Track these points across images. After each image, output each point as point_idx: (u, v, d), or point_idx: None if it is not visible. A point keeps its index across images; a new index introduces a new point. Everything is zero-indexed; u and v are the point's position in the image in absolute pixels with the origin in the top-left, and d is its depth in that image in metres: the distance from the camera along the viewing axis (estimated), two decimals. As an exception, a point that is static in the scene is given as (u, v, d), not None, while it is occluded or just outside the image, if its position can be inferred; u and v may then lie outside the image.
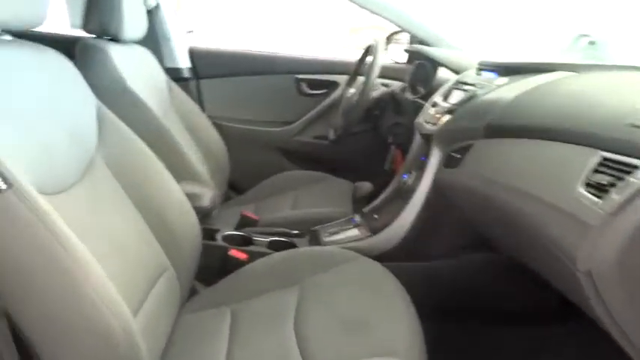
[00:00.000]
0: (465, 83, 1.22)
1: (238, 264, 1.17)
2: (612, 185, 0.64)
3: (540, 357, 1.21)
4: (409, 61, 1.91)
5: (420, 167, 1.29)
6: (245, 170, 1.97)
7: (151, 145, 1.10)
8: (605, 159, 0.69)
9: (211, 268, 1.19)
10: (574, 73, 1.02)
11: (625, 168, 0.64)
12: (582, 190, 0.68)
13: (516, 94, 1.01)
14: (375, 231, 1.27)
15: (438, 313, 1.07)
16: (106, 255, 0.81)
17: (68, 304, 0.66)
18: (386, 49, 2.08)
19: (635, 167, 0.62)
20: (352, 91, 1.66)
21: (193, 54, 1.95)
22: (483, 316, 1.24)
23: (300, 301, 1.00)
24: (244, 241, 1.29)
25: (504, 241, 1.01)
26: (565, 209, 0.70)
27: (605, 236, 0.61)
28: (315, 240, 1.33)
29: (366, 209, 1.38)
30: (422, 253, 1.23)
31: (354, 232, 1.31)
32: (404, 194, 1.27)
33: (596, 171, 0.69)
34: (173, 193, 1.09)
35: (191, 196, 1.16)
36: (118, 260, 0.85)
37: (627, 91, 0.82)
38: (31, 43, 0.88)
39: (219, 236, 1.27)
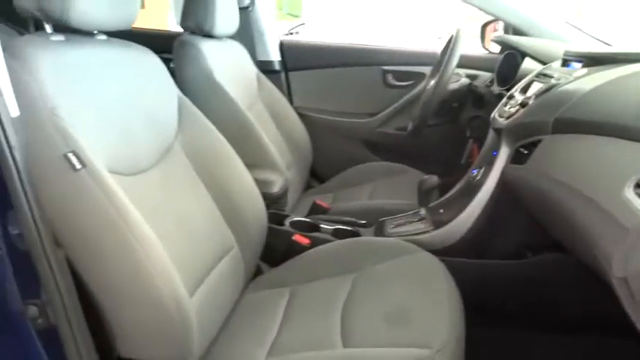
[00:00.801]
0: (546, 75, 1.14)
1: (301, 249, 1.23)
2: (660, 189, 0.58)
3: None
4: (501, 51, 1.82)
5: (490, 163, 1.24)
6: (328, 160, 2.04)
7: (232, 133, 1.20)
8: None
9: (277, 250, 1.27)
10: (665, 64, 0.91)
11: None
12: (630, 192, 0.62)
13: (593, 86, 0.93)
14: (438, 225, 1.25)
15: (493, 314, 1.03)
16: (171, 234, 0.91)
17: (128, 276, 0.75)
18: (482, 38, 2.01)
19: None
20: (432, 82, 1.63)
21: (283, 47, 2.05)
22: (542, 321, 1.16)
23: (353, 289, 1.04)
24: (311, 228, 1.35)
25: (566, 243, 0.94)
26: (609, 210, 0.65)
27: (644, 243, 0.56)
28: (380, 231, 1.35)
29: (433, 203, 1.36)
30: (485, 250, 1.19)
31: (417, 226, 1.30)
32: (471, 190, 1.23)
33: (651, 173, 0.63)
34: (244, 178, 1.17)
35: (262, 183, 1.25)
36: (182, 239, 0.95)
37: None
38: (123, 41, 1.02)
39: (287, 222, 1.35)
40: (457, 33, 1.44)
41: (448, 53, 1.39)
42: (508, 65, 1.59)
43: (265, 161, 1.45)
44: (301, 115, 1.95)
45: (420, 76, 1.96)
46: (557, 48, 1.35)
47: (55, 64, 0.78)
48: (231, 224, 1.12)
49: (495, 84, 1.63)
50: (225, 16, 1.54)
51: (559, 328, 1.16)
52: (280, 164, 1.47)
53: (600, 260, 0.65)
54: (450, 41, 1.65)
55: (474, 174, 1.26)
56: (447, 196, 1.37)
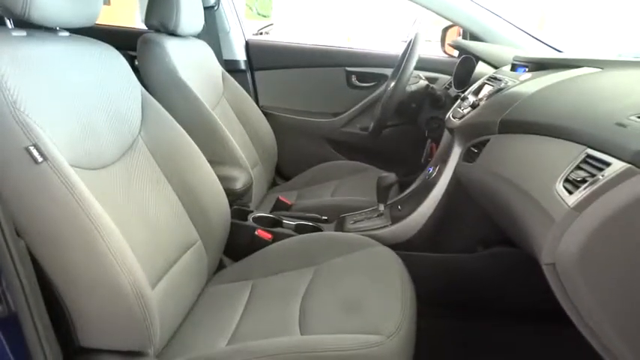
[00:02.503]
0: (496, 78, 1.22)
1: (264, 243, 1.26)
2: (584, 181, 0.64)
3: (550, 357, 1.18)
4: (459, 55, 1.90)
5: (444, 161, 1.30)
6: (292, 158, 2.08)
7: (196, 130, 1.22)
8: (589, 156, 0.69)
9: (240, 245, 1.29)
10: (599, 70, 0.99)
11: (599, 165, 0.64)
12: (559, 185, 0.68)
13: (535, 90, 1.00)
14: (396, 221, 1.30)
15: (450, 305, 1.09)
16: (134, 226, 0.93)
17: (90, 266, 0.76)
18: (442, 42, 2.08)
19: (607, 164, 0.62)
20: (393, 84, 1.69)
21: (249, 47, 2.08)
22: (493, 311, 1.23)
23: (312, 281, 1.08)
24: (273, 223, 1.38)
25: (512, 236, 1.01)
26: (540, 203, 0.71)
27: (568, 231, 0.62)
28: (340, 226, 1.39)
29: (391, 200, 1.41)
30: (440, 245, 1.25)
31: (375, 221, 1.35)
32: (427, 187, 1.29)
33: (578, 167, 0.69)
34: (207, 174, 1.20)
35: (225, 179, 1.27)
36: (145, 232, 0.97)
37: (637, 89, 0.80)
38: (86, 38, 1.03)
39: (250, 217, 1.37)
40: (415, 37, 1.50)
41: (406, 56, 1.45)
42: (464, 69, 1.67)
43: (229, 158, 1.47)
44: (267, 115, 1.98)
45: (383, 78, 2.02)
46: (508, 53, 1.43)
47: (16, 59, 0.79)
48: (194, 219, 1.14)
49: (453, 86, 1.70)
50: (189, 16, 1.55)
51: (509, 317, 1.23)
52: (244, 161, 1.50)
53: (534, 248, 0.71)
54: (409, 44, 1.71)
55: (430, 172, 1.32)
56: (405, 193, 1.43)
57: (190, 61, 1.59)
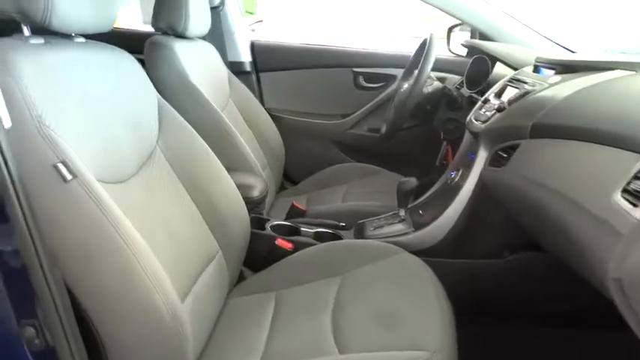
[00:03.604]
0: (519, 80, 1.19)
1: (284, 253, 1.23)
2: (649, 193, 0.62)
3: None
4: (468, 54, 1.88)
5: (468, 165, 1.28)
6: (300, 161, 2.04)
7: (209, 136, 1.18)
8: None
9: (259, 255, 1.26)
10: (632, 73, 0.97)
11: None
12: (619, 197, 0.66)
13: (568, 93, 0.97)
14: (418, 227, 1.28)
15: (477, 312, 1.07)
16: (159, 241, 0.89)
17: (123, 285, 0.73)
18: (447, 41, 2.06)
19: None
20: (406, 85, 1.66)
21: (254, 48, 2.03)
22: (520, 317, 1.22)
23: (340, 292, 1.04)
24: (292, 231, 1.34)
25: (550, 243, 0.99)
26: (599, 215, 0.68)
27: (638, 245, 0.60)
28: (360, 233, 1.36)
29: (411, 205, 1.39)
30: (465, 251, 1.23)
31: (398, 227, 1.32)
32: (450, 192, 1.27)
33: (636, 177, 0.66)
34: (225, 183, 1.16)
35: (243, 187, 1.24)
36: (170, 246, 0.93)
37: None
38: (101, 44, 0.98)
39: (268, 226, 1.34)
40: (431, 37, 1.48)
41: (423, 57, 1.42)
42: (477, 69, 1.64)
43: (243, 164, 1.43)
44: (273, 117, 1.94)
45: (391, 78, 1.99)
46: (527, 54, 1.41)
47: (38, 69, 0.74)
48: (215, 230, 1.11)
49: (465, 87, 1.68)
50: (198, 17, 1.51)
51: (536, 322, 1.21)
52: (257, 167, 1.46)
53: (592, 262, 0.68)
54: (423, 45, 1.68)
55: (452, 176, 1.30)
56: (425, 197, 1.40)
57: (199, 64, 1.54)
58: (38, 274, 0.57)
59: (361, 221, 1.42)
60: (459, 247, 1.22)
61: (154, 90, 1.09)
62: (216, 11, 1.86)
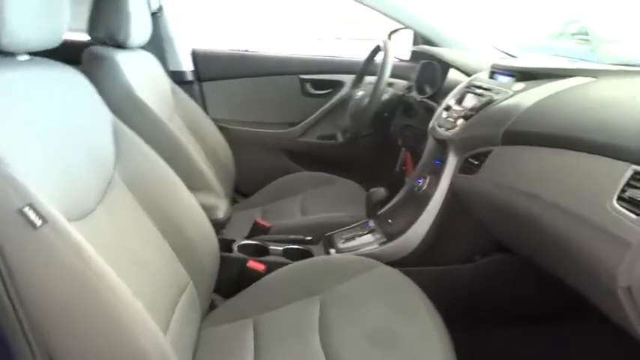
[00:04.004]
0: (480, 87, 1.21)
1: (257, 275, 1.16)
2: (650, 202, 0.64)
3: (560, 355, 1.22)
4: (413, 59, 1.90)
5: (434, 172, 1.29)
6: (250, 173, 1.96)
7: (163, 155, 1.09)
8: (638, 173, 0.68)
9: (230, 280, 1.18)
10: (593, 79, 1.01)
11: None
12: (617, 206, 0.68)
13: (535, 100, 1.00)
14: (390, 237, 1.27)
15: (454, 318, 1.07)
16: (132, 276, 0.80)
17: (107, 330, 0.65)
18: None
19: None
20: (361, 93, 1.65)
21: (196, 56, 1.93)
22: (500, 318, 1.24)
23: (323, 313, 1.00)
24: (260, 251, 1.28)
25: (529, 248, 1.01)
26: (598, 224, 0.70)
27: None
28: (330, 246, 1.33)
29: (379, 212, 1.37)
30: (437, 258, 1.24)
31: (368, 238, 1.30)
32: (419, 199, 1.27)
33: (628, 185, 0.69)
34: (190, 206, 1.08)
35: (206, 209, 1.15)
36: (143, 280, 0.85)
37: None
38: (47, 60, 0.86)
39: (235, 247, 1.27)
40: (386, 45, 1.48)
41: (381, 65, 1.42)
42: (426, 74, 1.67)
43: (202, 183, 1.34)
44: (219, 128, 1.85)
45: (338, 84, 1.97)
46: (480, 61, 1.45)
47: None
48: (183, 258, 1.02)
49: (415, 92, 1.70)
50: (139, 24, 1.39)
51: (510, 322, 1.25)
52: (217, 185, 1.38)
53: (595, 271, 0.70)
54: (374, 51, 1.69)
55: (420, 183, 1.30)
56: (392, 205, 1.39)
57: (143, 76, 1.43)
58: (17, 334, 0.48)
59: (329, 234, 1.39)
60: (431, 254, 1.22)
61: (106, 109, 0.99)
62: (154, 17, 1.73)
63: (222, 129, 1.86)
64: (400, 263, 1.21)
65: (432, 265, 1.23)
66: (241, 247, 1.27)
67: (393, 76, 1.93)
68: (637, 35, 1.84)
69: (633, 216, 0.65)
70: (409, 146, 1.52)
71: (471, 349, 1.08)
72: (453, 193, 1.18)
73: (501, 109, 1.07)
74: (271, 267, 1.19)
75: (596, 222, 0.71)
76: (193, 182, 1.30)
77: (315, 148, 2.00)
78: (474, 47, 1.72)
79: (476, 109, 1.14)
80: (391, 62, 1.43)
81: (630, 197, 0.67)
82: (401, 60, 2.03)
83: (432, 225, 1.20)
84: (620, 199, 0.68)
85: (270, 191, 1.86)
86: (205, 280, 1.07)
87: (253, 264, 1.20)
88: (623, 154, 0.72)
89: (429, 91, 1.63)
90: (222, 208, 1.22)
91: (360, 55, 2.08)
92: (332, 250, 1.31)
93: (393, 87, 1.89)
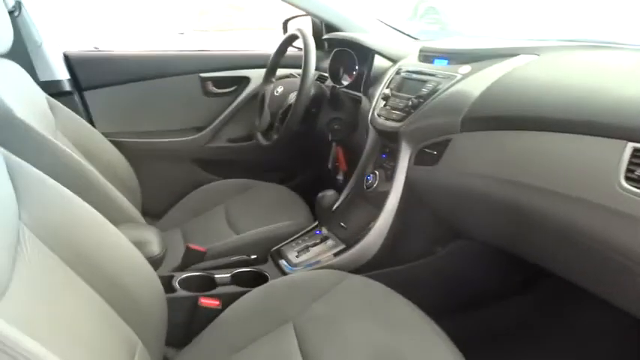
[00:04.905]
0: (420, 73, 1.16)
1: (212, 313, 0.99)
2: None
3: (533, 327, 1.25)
4: (320, 47, 1.81)
5: (382, 166, 1.22)
6: (157, 190, 1.72)
7: (66, 187, 0.86)
8: (638, 150, 0.67)
9: (179, 325, 1.00)
10: (536, 56, 1.01)
11: None
12: (628, 186, 0.66)
13: (489, 82, 0.97)
14: (348, 242, 1.17)
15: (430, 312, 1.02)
16: (68, 352, 0.61)
17: None
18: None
19: None
20: (281, 88, 1.51)
21: (71, 62, 1.61)
22: (473, 301, 1.23)
23: (302, 341, 0.87)
24: (205, 282, 1.10)
25: (503, 236, 0.99)
26: (608, 206, 0.68)
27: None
28: (280, 260, 1.20)
29: (328, 215, 1.26)
30: (400, 257, 1.18)
31: (323, 247, 1.19)
32: (372, 198, 1.19)
33: (632, 164, 0.67)
34: (121, 247, 0.87)
35: (137, 245, 0.94)
36: (82, 354, 0.65)
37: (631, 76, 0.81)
38: None
39: (175, 283, 1.07)
40: (304, 34, 1.36)
41: (304, 57, 1.30)
42: (340, 63, 1.60)
43: (122, 215, 1.11)
44: (113, 143, 1.58)
45: (243, 81, 1.81)
46: (401, 45, 1.41)
47: None
48: (126, 314, 0.82)
49: (330, 81, 1.62)
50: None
51: (484, 304, 1.24)
52: (137, 212, 1.15)
53: (609, 253, 0.68)
54: (285, 43, 1.56)
55: (369, 180, 1.22)
56: (341, 206, 1.29)
57: (14, 92, 1.13)
58: None
59: (275, 248, 1.25)
60: (394, 254, 1.16)
61: None
62: (12, 18, 1.40)
63: (116, 144, 1.59)
64: (364, 269, 1.13)
65: (395, 265, 1.17)
66: (183, 283, 1.08)
67: (297, 66, 1.84)
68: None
69: None
70: (339, 140, 1.43)
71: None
72: (409, 188, 1.12)
73: (454, 94, 1.03)
74: (226, 300, 1.03)
75: (606, 205, 0.68)
76: (111, 215, 1.06)
77: (228, 152, 1.82)
78: (378, 31, 1.68)
79: (424, 97, 1.08)
80: (314, 52, 1.32)
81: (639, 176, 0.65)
82: (300, 49, 1.92)
83: (392, 223, 1.13)
84: (628, 179, 0.67)
85: (185, 208, 1.64)
86: (156, 335, 0.88)
87: (205, 301, 1.02)
88: (615, 132, 0.71)
89: (347, 80, 1.56)
90: (154, 241, 1.02)
91: (262, 47, 1.95)
92: (286, 266, 1.17)
93: (297, 77, 1.78)
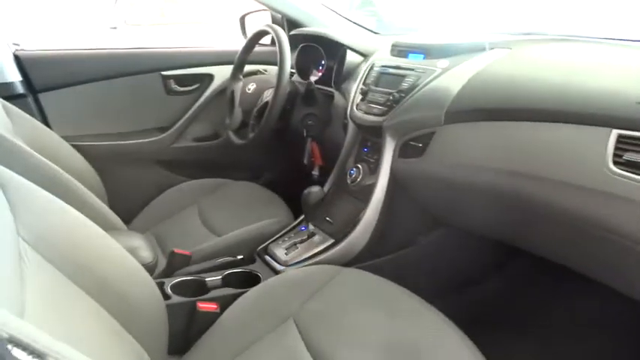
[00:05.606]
0: (398, 67, 1.19)
1: (210, 318, 0.98)
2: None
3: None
4: (273, 43, 1.80)
5: (366, 160, 1.24)
6: (123, 195, 1.64)
7: None
8: (623, 136, 0.73)
9: (177, 332, 0.97)
10: (508, 49, 1.07)
11: None
12: (617, 169, 0.72)
13: (469, 76, 1.02)
14: (336, 236, 1.19)
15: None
16: None
17: None
18: (243, 30, 1.94)
19: None
20: (253, 85, 1.50)
21: (22, 62, 1.51)
22: (454, 284, 1.28)
23: (306, 335, 0.88)
24: (198, 286, 1.08)
25: (490, 223, 1.04)
26: (602, 190, 0.74)
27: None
28: (269, 258, 1.20)
29: (312, 210, 1.26)
30: (386, 248, 1.21)
31: (312, 243, 1.20)
32: (358, 191, 1.21)
33: (618, 149, 0.73)
34: (119, 256, 0.84)
35: (130, 253, 0.91)
36: None
37: (616, 68, 0.88)
38: None
39: (168, 289, 1.04)
40: (276, 30, 1.35)
41: (279, 54, 1.30)
42: (306, 58, 1.60)
43: (107, 222, 1.07)
44: (73, 147, 1.49)
45: (207, 78, 1.76)
46: (371, 40, 1.43)
47: None
48: (129, 325, 0.79)
49: (297, 77, 1.62)
50: None
51: (459, 287, 1.29)
52: (117, 218, 1.11)
53: (605, 235, 0.74)
54: (253, 39, 1.54)
55: (353, 174, 1.23)
56: (325, 201, 1.30)
57: None
58: None
59: (261, 247, 1.25)
60: (381, 245, 1.19)
61: None
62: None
63: (77, 148, 1.51)
64: (354, 262, 1.15)
65: (383, 255, 1.20)
66: (175, 288, 1.05)
67: (263, 62, 1.82)
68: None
69: (638, 177, 0.69)
70: (314, 136, 1.44)
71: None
72: (394, 180, 1.15)
73: (436, 88, 1.07)
74: (223, 303, 1.01)
75: (597, 189, 0.74)
76: (98, 224, 1.03)
77: (194, 152, 1.77)
78: (341, 26, 1.70)
79: (405, 91, 1.11)
80: (289, 48, 1.32)
81: (628, 160, 0.71)
82: (261, 45, 1.91)
83: (379, 216, 1.16)
84: (616, 163, 0.73)
85: (154, 211, 1.59)
86: (159, 344, 0.86)
87: (203, 306, 1.00)
88: (600, 120, 0.77)
89: (316, 75, 1.57)
90: (143, 247, 0.98)
91: (224, 44, 1.91)
92: (276, 265, 1.17)
93: (267, 74, 1.77)
